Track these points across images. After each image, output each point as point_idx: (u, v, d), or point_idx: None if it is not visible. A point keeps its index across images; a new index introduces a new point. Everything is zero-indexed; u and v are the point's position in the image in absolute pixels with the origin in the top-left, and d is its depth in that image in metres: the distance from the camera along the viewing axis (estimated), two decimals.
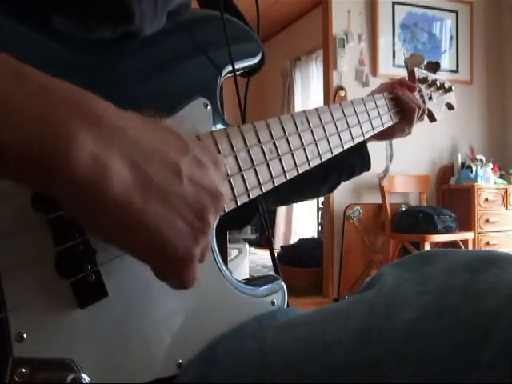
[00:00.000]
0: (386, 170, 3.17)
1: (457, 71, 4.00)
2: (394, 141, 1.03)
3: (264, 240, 5.86)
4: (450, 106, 1.11)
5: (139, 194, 0.35)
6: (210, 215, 0.39)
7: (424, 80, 1.01)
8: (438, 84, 1.03)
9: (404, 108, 0.90)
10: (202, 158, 0.41)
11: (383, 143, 1.04)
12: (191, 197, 0.38)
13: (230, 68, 0.61)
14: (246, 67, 0.65)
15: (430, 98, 1.01)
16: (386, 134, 0.90)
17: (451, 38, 4.02)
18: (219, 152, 0.54)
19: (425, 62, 1.03)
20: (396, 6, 3.79)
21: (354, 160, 0.87)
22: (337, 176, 0.87)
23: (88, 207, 0.34)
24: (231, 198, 0.54)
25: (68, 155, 0.32)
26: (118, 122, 0.36)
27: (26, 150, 0.31)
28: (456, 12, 4.02)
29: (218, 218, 0.54)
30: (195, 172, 0.39)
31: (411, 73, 1.00)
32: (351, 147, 0.77)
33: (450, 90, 1.08)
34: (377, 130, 0.83)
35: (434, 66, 1.06)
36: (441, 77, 1.07)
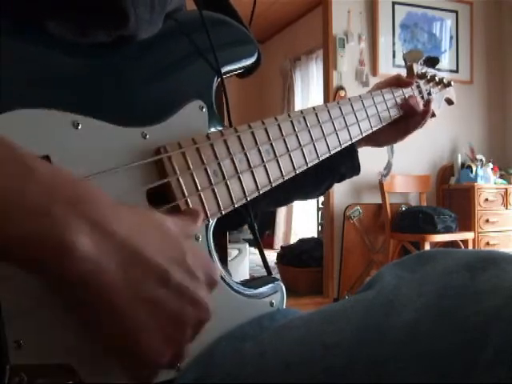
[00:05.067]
0: (389, 167, 3.13)
1: (457, 71, 4.00)
2: None
3: (264, 240, 5.86)
4: (449, 101, 1.10)
5: (126, 299, 0.36)
6: (188, 329, 0.40)
7: (423, 75, 1.00)
8: (437, 79, 1.02)
9: (407, 114, 0.90)
10: (197, 270, 0.41)
11: None
12: (174, 306, 0.38)
13: (226, 69, 0.61)
14: (241, 68, 0.65)
15: (429, 94, 1.00)
16: (380, 140, 0.90)
17: (451, 37, 4.02)
18: (216, 156, 0.54)
19: (423, 58, 1.02)
20: (396, 6, 3.79)
21: (345, 167, 0.86)
22: (328, 182, 0.86)
23: (74, 301, 0.36)
24: (230, 204, 0.54)
25: (66, 258, 0.33)
26: (116, 227, 0.36)
27: (24, 248, 0.32)
28: (456, 12, 4.02)
29: (215, 220, 0.54)
30: (185, 283, 0.39)
31: (409, 68, 0.99)
32: (343, 156, 0.77)
33: (449, 84, 1.07)
34: (385, 122, 0.83)
35: (433, 61, 1.05)
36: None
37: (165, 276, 0.38)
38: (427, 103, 0.92)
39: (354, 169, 0.87)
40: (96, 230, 0.34)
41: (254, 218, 0.65)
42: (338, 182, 0.87)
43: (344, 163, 0.84)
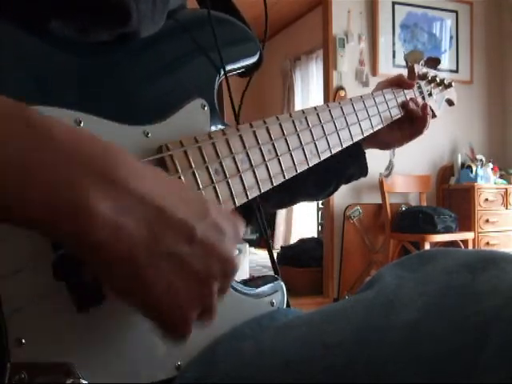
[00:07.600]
0: (391, 167, 3.12)
1: (457, 71, 4.00)
2: None
3: (264, 240, 5.84)
4: (450, 102, 1.10)
5: (146, 254, 0.36)
6: (214, 282, 0.40)
7: (424, 76, 1.00)
8: (438, 80, 1.02)
9: (409, 116, 0.90)
10: (222, 223, 0.41)
11: None
12: (199, 262, 0.38)
13: (228, 68, 0.61)
14: (243, 67, 0.65)
15: (430, 95, 1.00)
16: (385, 143, 0.91)
17: (451, 37, 4.02)
18: (217, 155, 0.54)
19: (424, 58, 1.02)
20: (396, 6, 3.79)
21: (353, 168, 0.86)
22: (335, 184, 0.87)
23: (96, 262, 0.36)
24: (228, 199, 0.54)
25: (86, 225, 0.33)
26: (137, 184, 0.36)
27: (43, 213, 0.32)
28: (456, 12, 4.02)
29: None
30: (211, 237, 0.39)
31: (411, 69, 1.00)
32: (351, 157, 0.77)
33: (450, 85, 1.07)
34: (386, 123, 0.84)
35: (434, 62, 1.05)
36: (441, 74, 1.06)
37: (190, 232, 0.38)
38: (423, 109, 0.92)
39: (362, 170, 0.87)
40: (113, 189, 0.35)
41: (256, 219, 0.65)
42: (346, 183, 0.87)
43: (352, 164, 0.84)
